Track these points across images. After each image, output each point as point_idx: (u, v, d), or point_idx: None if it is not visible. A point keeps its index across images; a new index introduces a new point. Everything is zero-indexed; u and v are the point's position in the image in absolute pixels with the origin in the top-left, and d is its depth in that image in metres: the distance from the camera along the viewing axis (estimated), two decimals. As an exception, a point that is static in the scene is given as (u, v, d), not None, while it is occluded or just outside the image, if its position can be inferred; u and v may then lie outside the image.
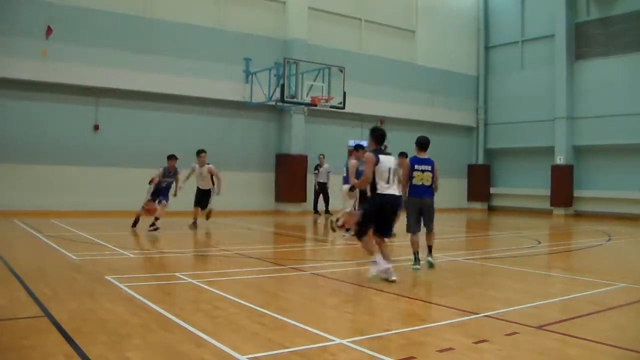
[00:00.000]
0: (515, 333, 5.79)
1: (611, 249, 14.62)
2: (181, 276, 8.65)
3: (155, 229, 14.30)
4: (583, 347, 5.44)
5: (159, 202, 14.70)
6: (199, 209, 16.21)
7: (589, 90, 27.17)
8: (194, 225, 15.85)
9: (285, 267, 9.98)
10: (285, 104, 21.58)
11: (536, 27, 29.51)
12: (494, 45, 31.53)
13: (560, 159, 27.38)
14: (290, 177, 23.28)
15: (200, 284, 8.04)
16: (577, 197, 27.15)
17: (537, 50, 29.51)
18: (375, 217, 8.66)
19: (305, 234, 16.99)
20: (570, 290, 8.44)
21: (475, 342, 5.41)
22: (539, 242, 14.98)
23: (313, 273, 9.32)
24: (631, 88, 25.57)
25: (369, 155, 8.74)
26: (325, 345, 5.19)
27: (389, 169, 8.66)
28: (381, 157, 8.69)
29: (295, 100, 21.09)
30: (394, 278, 8.29)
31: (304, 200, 23.45)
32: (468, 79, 31.12)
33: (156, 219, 14.49)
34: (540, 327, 6.04)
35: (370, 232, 8.66)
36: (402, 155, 13.07)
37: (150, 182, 14.88)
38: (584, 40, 27.76)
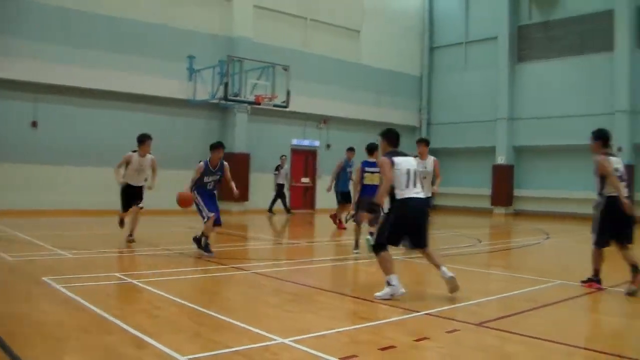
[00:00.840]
0: (455, 330, 5.88)
1: (549, 247, 14.97)
2: (121, 276, 8.49)
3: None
4: (522, 343, 5.54)
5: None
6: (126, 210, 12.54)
7: (529, 91, 27.83)
8: (122, 224, 12.92)
9: (227, 267, 9.90)
10: (229, 103, 21.43)
11: (480, 29, 30.06)
12: (438, 46, 31.95)
13: (501, 159, 27.93)
14: (233, 175, 23.04)
15: (140, 284, 7.92)
16: (517, 196, 27.74)
17: (481, 51, 30.05)
18: (398, 229, 7.54)
19: (248, 233, 16.90)
20: (509, 287, 8.59)
21: (417, 340, 5.46)
22: (480, 241, 15.23)
23: (255, 272, 9.26)
24: (570, 90, 26.30)
25: (383, 159, 7.69)
26: (267, 345, 5.16)
27: (408, 170, 7.63)
28: (397, 159, 7.65)
29: (238, 98, 20.99)
30: (402, 291, 7.44)
31: (247, 199, 23.32)
32: (412, 79, 31.44)
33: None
34: (480, 324, 6.13)
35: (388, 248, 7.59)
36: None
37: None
38: (526, 43, 28.43)
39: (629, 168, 24.01)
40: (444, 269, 7.38)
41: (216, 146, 11.35)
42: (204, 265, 10.02)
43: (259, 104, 21.12)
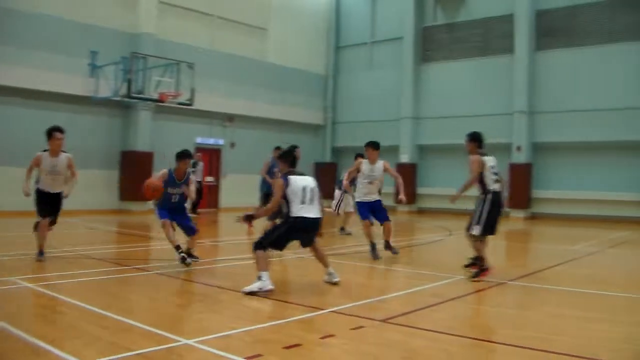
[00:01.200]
0: (361, 327, 5.92)
1: (451, 243, 15.37)
2: (18, 281, 8.13)
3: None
4: (426, 338, 5.66)
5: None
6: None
7: (433, 92, 28.51)
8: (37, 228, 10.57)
9: (129, 268, 9.67)
10: (132, 100, 20.91)
11: (385, 30, 30.55)
12: (345, 45, 32.24)
13: (404, 158, 28.47)
14: (136, 175, 22.57)
15: (39, 289, 7.61)
16: (420, 194, 28.32)
17: (386, 51, 30.55)
18: (285, 239, 7.92)
19: (150, 233, 16.55)
20: (413, 283, 8.75)
21: (322, 337, 5.48)
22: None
23: (158, 273, 9.08)
24: (472, 91, 27.14)
25: (277, 181, 7.95)
26: (171, 347, 5.07)
27: (304, 188, 7.90)
28: (292, 178, 7.90)
29: (142, 96, 20.51)
30: (271, 287, 7.57)
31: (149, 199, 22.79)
32: (318, 78, 31.62)
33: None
34: (385, 320, 6.21)
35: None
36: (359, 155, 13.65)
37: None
38: (431, 44, 29.12)
39: (528, 166, 25.07)
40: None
41: (183, 155, 9.99)
42: (106, 266, 9.75)
43: (163, 101, 20.73)
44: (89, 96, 21.33)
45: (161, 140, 23.61)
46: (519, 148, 25.21)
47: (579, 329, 6.19)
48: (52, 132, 10.06)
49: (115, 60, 20.97)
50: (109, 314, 6.21)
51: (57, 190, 10.26)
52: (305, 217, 7.81)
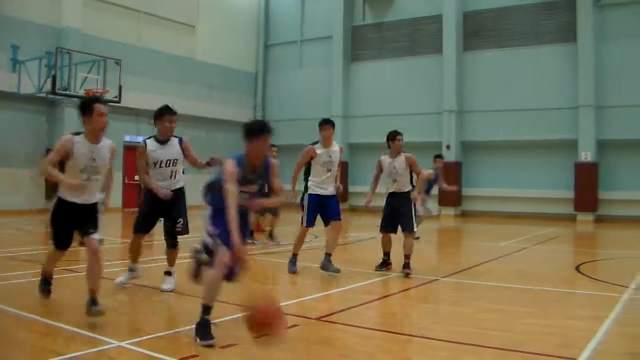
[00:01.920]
0: (295, 325, 5.89)
1: (377, 241, 15.46)
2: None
3: None
4: (361, 335, 5.69)
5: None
6: None
7: (363, 91, 28.78)
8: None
9: (58, 269, 9.38)
10: (57, 96, 20.35)
11: (315, 28, 30.66)
12: (274, 43, 32.20)
13: (334, 156, 28.61)
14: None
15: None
16: (352, 192, 28.50)
17: (316, 50, 30.66)
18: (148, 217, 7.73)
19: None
20: (347, 281, 8.75)
21: (257, 337, 5.41)
22: (316, 237, 15.45)
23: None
24: (402, 90, 27.51)
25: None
26: (103, 349, 4.94)
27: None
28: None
29: (67, 92, 20.01)
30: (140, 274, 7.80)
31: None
32: (247, 76, 31.49)
33: None
34: (320, 319, 6.21)
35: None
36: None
37: None
38: (360, 43, 29.36)
39: (457, 165, 25.56)
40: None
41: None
42: (32, 268, 9.43)
43: (90, 98, 20.27)
44: (11, 92, 20.60)
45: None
46: (448, 147, 25.71)
47: (508, 323, 6.33)
48: (91, 104, 6.29)
49: (38, 55, 20.34)
50: (37, 317, 6.01)
51: (89, 200, 6.29)
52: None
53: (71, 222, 6.28)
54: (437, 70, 26.72)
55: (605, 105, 23.64)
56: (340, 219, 9.32)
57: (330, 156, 9.27)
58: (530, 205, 24.71)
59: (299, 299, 7.24)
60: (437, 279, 8.90)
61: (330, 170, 9.23)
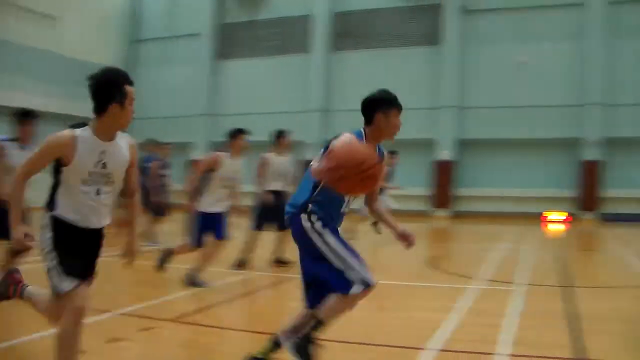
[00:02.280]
0: (151, 328, 5.81)
1: (240, 239, 15.48)
2: None
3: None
4: (216, 335, 5.76)
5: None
6: None
7: (232, 89, 28.71)
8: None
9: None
10: None
11: (184, 25, 30.30)
12: (143, 39, 31.58)
13: (196, 155, 28.35)
14: None
15: None
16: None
17: (185, 47, 30.29)
18: None
19: None
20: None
21: (109, 342, 5.30)
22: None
23: None
24: (271, 89, 27.67)
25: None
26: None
27: None
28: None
29: None
30: None
31: None
32: (115, 72, 30.62)
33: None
34: (175, 320, 6.18)
35: None
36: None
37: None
38: (230, 41, 29.28)
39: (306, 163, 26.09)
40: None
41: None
42: None
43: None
44: None
45: None
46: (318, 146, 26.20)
47: (373, 318, 6.50)
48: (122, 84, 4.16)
49: None
50: None
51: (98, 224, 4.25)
52: None
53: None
54: (305, 69, 27.12)
55: (470, 106, 24.79)
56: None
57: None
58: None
59: (154, 301, 7.10)
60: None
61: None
